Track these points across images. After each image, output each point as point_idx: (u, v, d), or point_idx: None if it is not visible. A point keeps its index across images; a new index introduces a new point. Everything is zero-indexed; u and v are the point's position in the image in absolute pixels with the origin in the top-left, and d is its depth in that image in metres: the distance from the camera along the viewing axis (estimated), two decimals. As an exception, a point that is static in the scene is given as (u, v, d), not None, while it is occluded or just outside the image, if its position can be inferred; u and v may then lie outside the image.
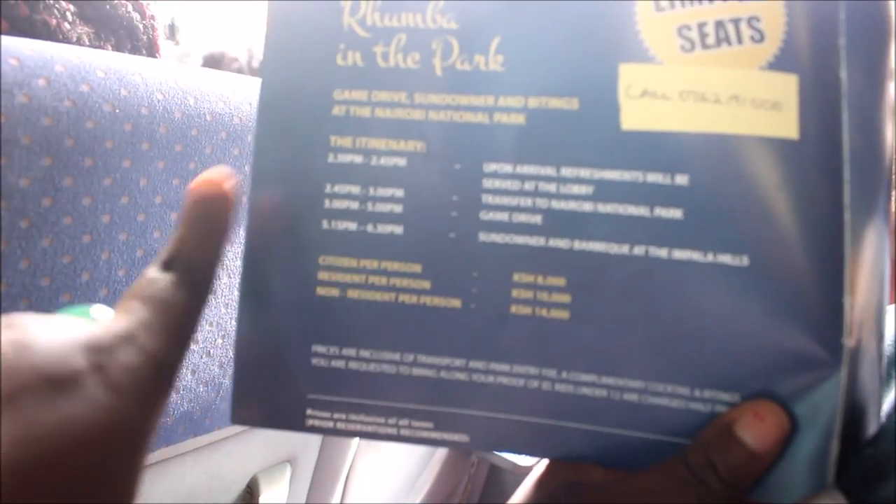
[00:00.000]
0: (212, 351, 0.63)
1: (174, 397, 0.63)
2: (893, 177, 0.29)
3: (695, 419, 0.28)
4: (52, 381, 0.21)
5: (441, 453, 1.73)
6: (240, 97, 0.61)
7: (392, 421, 0.31)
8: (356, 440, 1.36)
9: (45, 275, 0.49)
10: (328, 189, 0.30)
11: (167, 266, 0.26)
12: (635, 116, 0.28)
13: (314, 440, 1.19)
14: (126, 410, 0.22)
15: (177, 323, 0.25)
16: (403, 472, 1.62)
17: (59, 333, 0.23)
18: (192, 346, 0.67)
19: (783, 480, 0.26)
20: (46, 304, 0.50)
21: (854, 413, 0.27)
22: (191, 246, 0.27)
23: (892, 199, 0.29)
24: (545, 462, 0.32)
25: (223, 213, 0.27)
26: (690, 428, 0.28)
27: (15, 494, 0.19)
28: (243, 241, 0.31)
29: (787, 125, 0.26)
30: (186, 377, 0.63)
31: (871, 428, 0.28)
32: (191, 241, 0.27)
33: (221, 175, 0.28)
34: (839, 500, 0.25)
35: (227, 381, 0.66)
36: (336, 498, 1.34)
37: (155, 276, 0.26)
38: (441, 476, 1.74)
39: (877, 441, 0.27)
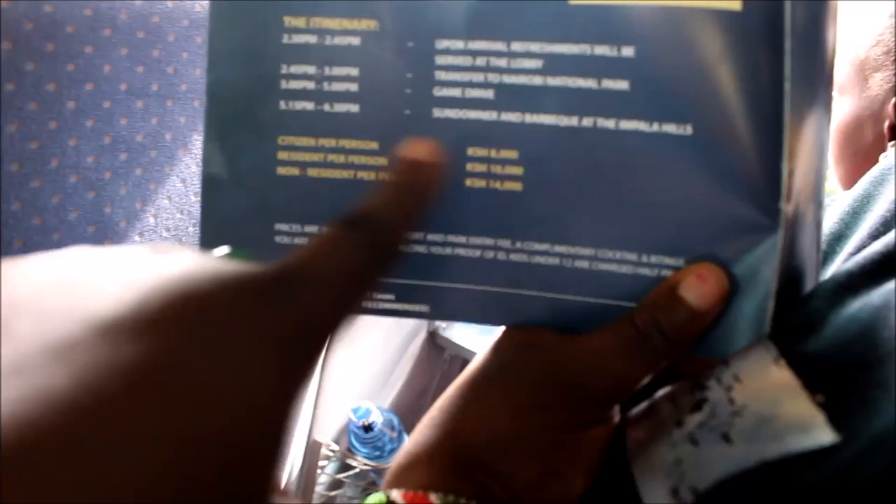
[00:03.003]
0: (184, 238, 0.64)
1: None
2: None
3: (642, 283, 0.29)
4: (202, 312, 0.18)
5: (414, 350, 1.78)
6: (201, -18, 0.60)
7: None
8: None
9: (13, 160, 0.50)
10: (284, 70, 0.31)
11: (354, 224, 0.23)
12: None
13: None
14: (275, 363, 0.18)
15: (351, 289, 0.22)
16: (376, 370, 1.67)
17: (219, 268, 0.19)
18: (165, 234, 0.69)
19: (724, 337, 0.28)
20: (17, 189, 0.51)
21: (792, 274, 0.29)
22: (389, 208, 0.24)
23: (835, 73, 0.31)
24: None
25: (433, 186, 0.26)
26: (638, 292, 0.29)
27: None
28: (203, 124, 0.31)
29: None
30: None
31: (809, 287, 0.30)
32: (391, 203, 0.25)
33: (433, 146, 0.26)
34: (771, 349, 0.27)
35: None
36: (311, 390, 1.38)
37: (336, 230, 0.23)
38: (414, 373, 1.79)
39: (810, 298, 0.28)
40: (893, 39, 0.68)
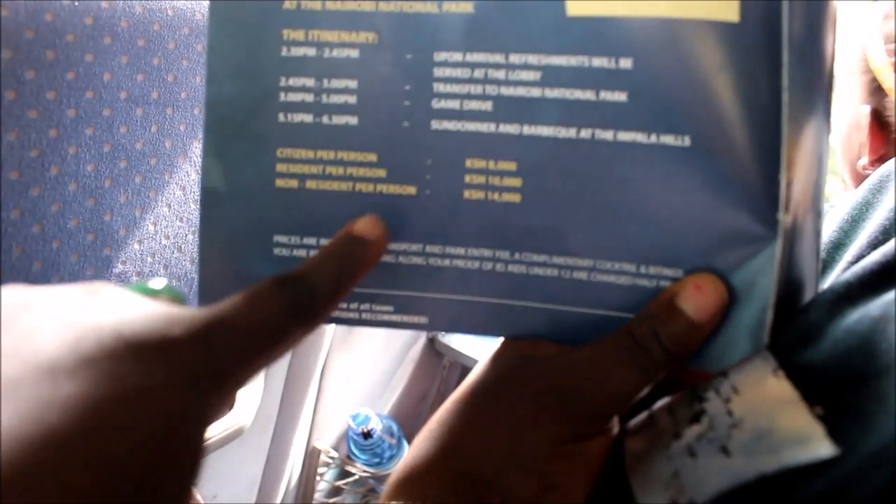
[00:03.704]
0: (183, 247, 0.64)
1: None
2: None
3: (640, 294, 0.29)
4: (131, 349, 0.20)
5: (413, 356, 1.77)
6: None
7: (353, 306, 0.32)
8: (328, 339, 1.39)
9: (13, 168, 0.50)
10: (283, 82, 0.31)
11: (283, 283, 0.25)
12: (580, 2, 0.28)
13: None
14: (189, 393, 0.20)
15: (265, 342, 0.23)
16: (375, 376, 1.67)
17: (141, 307, 0.22)
18: (164, 242, 0.69)
19: (722, 348, 0.28)
20: (17, 198, 0.51)
21: (791, 285, 0.29)
22: (320, 274, 0.26)
23: (834, 84, 0.31)
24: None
25: (369, 260, 0.28)
26: (636, 303, 0.29)
27: (85, 450, 0.18)
28: (202, 137, 0.31)
29: (727, 8, 0.26)
30: (159, 272, 0.65)
31: (808, 298, 0.30)
32: (323, 271, 0.26)
33: (381, 224, 0.28)
34: (770, 360, 0.27)
35: (200, 277, 0.67)
36: (311, 396, 1.38)
37: (265, 286, 0.24)
38: (413, 379, 1.79)
39: (809, 309, 0.28)
40: (863, 45, 0.69)
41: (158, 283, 0.25)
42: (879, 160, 0.72)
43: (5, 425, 0.16)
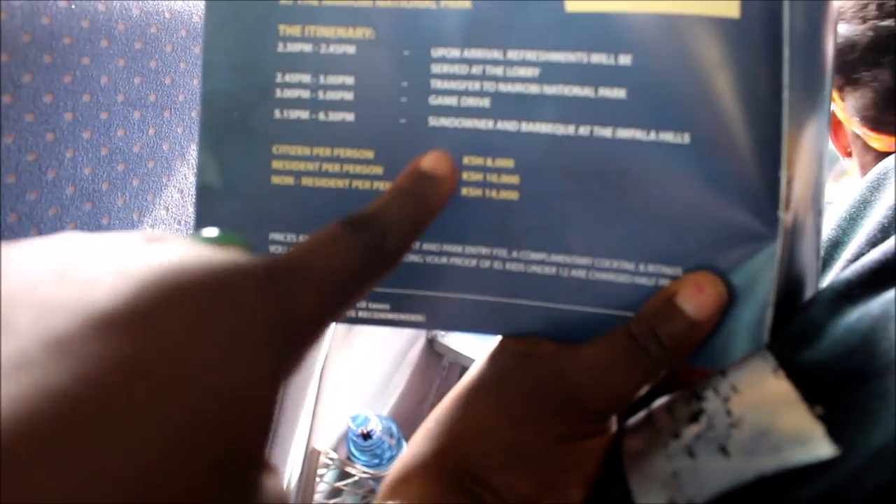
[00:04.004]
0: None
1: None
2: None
3: (640, 293, 0.29)
4: (203, 297, 0.18)
5: (413, 357, 1.77)
6: (198, -6, 0.60)
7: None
8: (327, 340, 1.39)
9: (10, 172, 0.50)
10: (279, 78, 0.30)
11: (355, 224, 0.23)
12: None
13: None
14: (260, 362, 0.18)
15: (344, 288, 0.22)
16: (375, 377, 1.66)
17: (211, 255, 0.19)
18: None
19: (722, 347, 0.28)
20: (14, 202, 0.51)
21: (791, 283, 0.29)
22: (394, 213, 0.24)
23: (833, 81, 0.31)
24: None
25: (440, 198, 0.26)
26: (635, 301, 0.29)
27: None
28: (198, 133, 0.31)
29: (728, 4, 0.26)
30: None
31: (808, 296, 0.30)
32: (396, 208, 0.24)
33: (450, 160, 0.27)
34: (769, 359, 0.27)
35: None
36: (310, 397, 1.38)
37: (336, 228, 0.23)
38: (412, 380, 1.79)
39: (808, 307, 0.28)
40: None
41: (210, 231, 0.23)
42: (849, 154, 0.78)
43: (58, 386, 0.14)
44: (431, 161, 0.27)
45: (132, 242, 0.19)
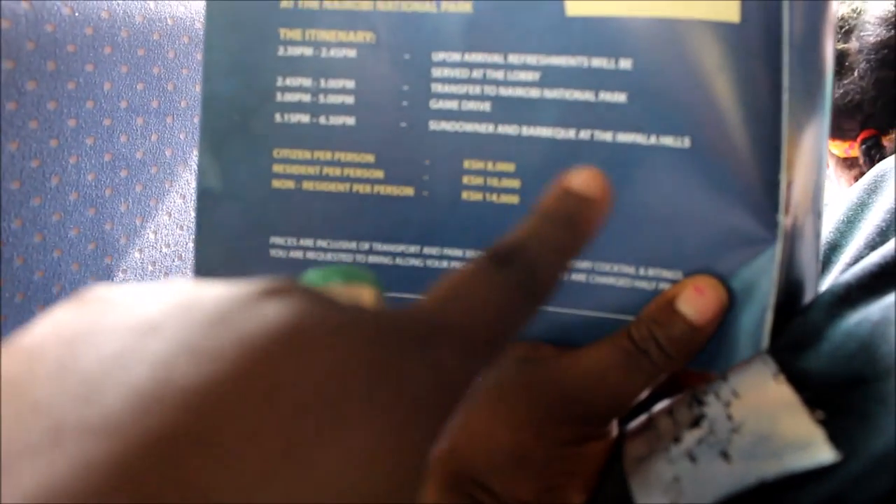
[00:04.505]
0: (184, 255, 0.64)
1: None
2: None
3: (640, 297, 0.29)
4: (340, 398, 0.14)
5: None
6: (200, 1, 0.61)
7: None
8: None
9: (14, 178, 0.50)
10: (279, 82, 0.31)
11: (501, 259, 0.20)
12: (579, 2, 0.28)
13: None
14: (401, 431, 0.15)
15: (498, 337, 0.18)
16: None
17: (350, 315, 0.16)
18: (165, 250, 0.69)
19: (722, 351, 0.28)
20: (18, 208, 0.51)
21: (791, 286, 0.29)
22: (541, 245, 0.20)
23: (833, 86, 0.31)
24: None
25: (594, 223, 0.22)
26: (635, 305, 0.29)
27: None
28: (199, 137, 0.31)
29: (728, 9, 0.26)
30: (160, 280, 0.65)
31: (808, 299, 0.30)
32: (545, 240, 0.21)
33: (604, 179, 0.22)
34: (770, 364, 0.27)
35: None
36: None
37: (482, 269, 0.19)
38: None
39: (808, 311, 0.28)
40: None
41: (328, 268, 0.20)
42: None
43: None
44: (582, 180, 0.22)
45: (251, 297, 0.15)
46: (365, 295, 0.19)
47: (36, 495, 0.11)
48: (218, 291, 0.16)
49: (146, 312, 0.15)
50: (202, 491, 0.12)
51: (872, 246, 0.32)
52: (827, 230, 0.37)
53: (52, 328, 0.15)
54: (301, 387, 0.14)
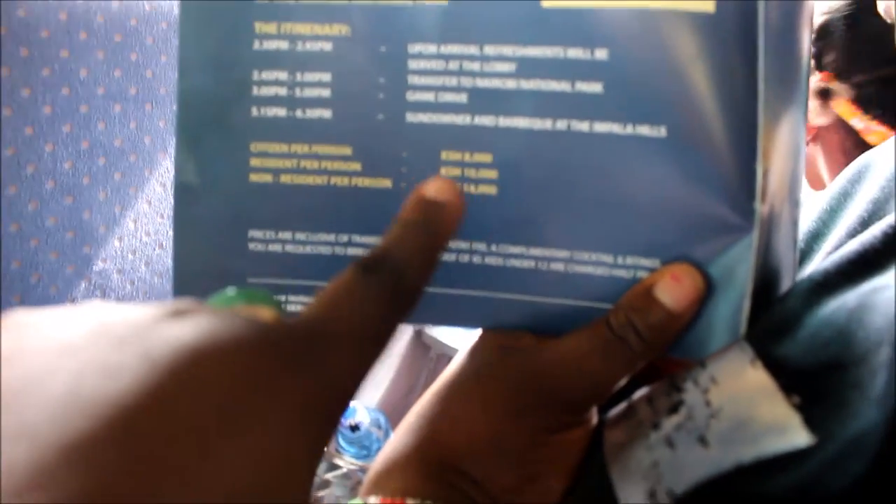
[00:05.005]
0: (164, 243, 0.64)
1: (129, 288, 0.64)
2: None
3: (618, 285, 0.29)
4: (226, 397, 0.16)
5: (399, 349, 1.78)
6: (178, -15, 0.60)
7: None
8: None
9: (-12, 167, 0.49)
10: (255, 76, 0.30)
11: (371, 267, 0.22)
12: None
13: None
14: (298, 445, 0.17)
15: (374, 341, 0.21)
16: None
17: (242, 329, 0.18)
18: (145, 238, 0.68)
19: (700, 338, 0.28)
20: (-8, 196, 0.50)
21: (768, 274, 0.29)
22: (405, 250, 0.23)
23: (810, 75, 0.31)
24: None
25: (450, 224, 0.25)
26: (614, 293, 0.29)
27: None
28: (175, 133, 0.31)
29: None
30: (140, 269, 0.65)
31: (786, 287, 0.30)
32: (406, 245, 0.23)
33: (455, 185, 0.25)
34: (747, 350, 0.27)
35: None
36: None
37: (354, 277, 0.21)
38: (400, 372, 1.79)
39: (786, 298, 0.28)
40: None
41: (231, 292, 0.22)
42: (811, 140, 0.84)
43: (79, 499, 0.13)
44: (435, 188, 0.25)
45: (157, 318, 0.17)
46: (265, 314, 0.21)
47: None
48: (128, 314, 0.18)
49: (62, 335, 0.17)
50: (111, 490, 0.14)
51: (853, 235, 0.33)
52: (810, 218, 0.37)
53: None
54: (198, 397, 0.16)
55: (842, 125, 0.83)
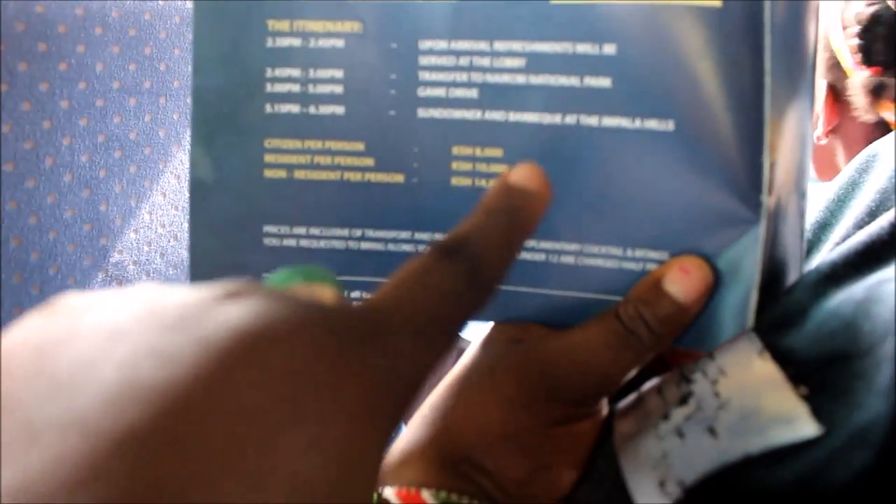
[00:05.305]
0: (179, 235, 0.65)
1: (144, 279, 0.65)
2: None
3: (627, 277, 0.29)
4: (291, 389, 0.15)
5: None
6: (192, -21, 0.60)
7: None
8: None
9: (8, 160, 0.50)
10: (269, 73, 0.31)
11: (449, 252, 0.20)
12: None
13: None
14: (357, 426, 0.16)
15: (448, 329, 0.19)
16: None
17: (306, 310, 0.17)
18: (160, 230, 0.69)
19: (708, 330, 0.28)
20: (12, 189, 0.51)
21: (775, 266, 0.29)
22: (486, 238, 0.21)
23: (816, 68, 0.31)
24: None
25: (535, 214, 0.23)
26: (623, 286, 0.29)
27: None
28: (190, 129, 0.32)
29: None
30: (156, 260, 0.65)
31: (793, 279, 0.30)
32: (490, 232, 0.22)
33: (542, 173, 0.23)
34: (755, 341, 0.27)
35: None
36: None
37: (430, 262, 0.20)
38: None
39: (793, 290, 0.28)
40: None
41: (287, 269, 0.20)
42: (832, 132, 0.82)
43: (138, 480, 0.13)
44: (521, 174, 0.23)
45: (211, 300, 0.16)
46: (325, 293, 0.20)
47: (10, 489, 0.12)
48: (181, 296, 0.16)
49: (113, 319, 0.16)
50: (168, 485, 0.13)
51: (860, 226, 0.33)
52: (818, 209, 0.37)
53: (24, 335, 0.16)
54: (260, 384, 0.15)
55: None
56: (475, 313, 0.20)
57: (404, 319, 0.18)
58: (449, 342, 0.19)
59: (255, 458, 0.14)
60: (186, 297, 0.16)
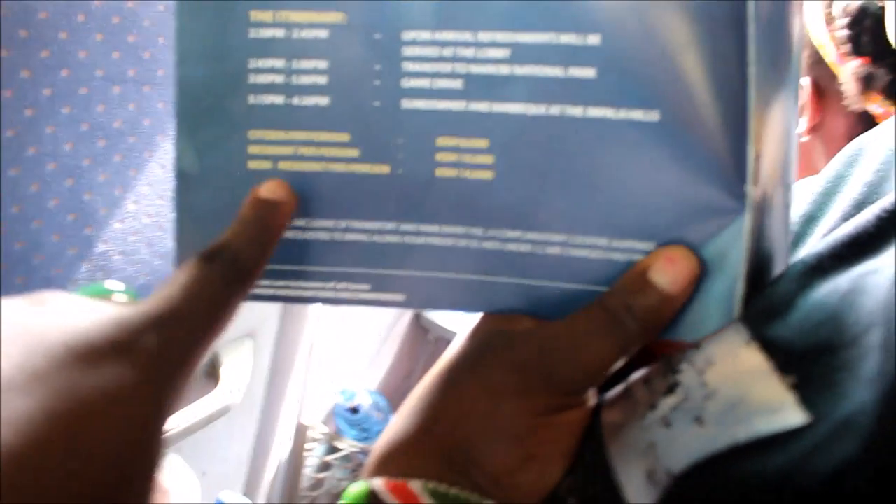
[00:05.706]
0: (164, 225, 0.64)
1: (130, 269, 0.65)
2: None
3: (614, 268, 0.29)
4: (81, 358, 0.21)
5: (399, 332, 1.78)
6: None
7: (330, 285, 0.32)
8: (314, 317, 1.39)
9: (-12, 149, 0.49)
10: (251, 64, 0.31)
11: (210, 258, 0.27)
12: None
13: (273, 315, 1.22)
14: (146, 393, 0.22)
15: (208, 315, 0.25)
16: (362, 352, 1.67)
17: (89, 312, 0.23)
18: (146, 220, 0.69)
19: (695, 320, 0.28)
20: (-7, 179, 0.51)
21: (761, 257, 0.29)
22: (240, 241, 0.28)
23: (801, 60, 0.31)
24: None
25: (281, 221, 0.30)
26: (610, 276, 0.29)
27: (41, 467, 0.19)
28: (174, 120, 0.31)
29: None
30: (142, 251, 0.65)
31: (779, 270, 0.30)
32: (242, 237, 0.28)
33: (287, 186, 0.30)
34: (743, 331, 0.27)
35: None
36: (298, 373, 1.38)
37: (195, 266, 0.26)
38: (400, 354, 1.80)
39: (779, 281, 0.28)
40: None
41: (113, 284, 0.28)
42: (813, 129, 0.83)
43: None
44: (269, 189, 0.30)
45: (16, 307, 0.22)
46: (119, 300, 0.26)
47: None
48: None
49: None
50: None
51: (847, 218, 0.33)
52: (804, 202, 0.38)
53: None
54: (57, 371, 0.21)
55: (851, 112, 0.82)
56: (237, 302, 0.27)
57: (176, 316, 0.24)
58: (214, 326, 0.25)
59: (64, 420, 0.20)
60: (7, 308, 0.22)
